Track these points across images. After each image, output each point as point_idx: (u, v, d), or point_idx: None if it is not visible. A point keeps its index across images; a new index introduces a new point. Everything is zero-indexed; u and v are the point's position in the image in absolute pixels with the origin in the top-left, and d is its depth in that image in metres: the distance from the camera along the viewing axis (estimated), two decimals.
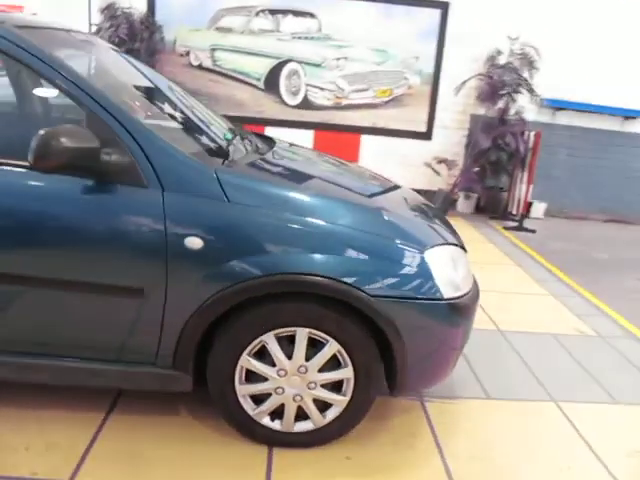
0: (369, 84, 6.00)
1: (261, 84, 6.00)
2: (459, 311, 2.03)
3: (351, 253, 1.90)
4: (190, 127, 2.46)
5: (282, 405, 2.03)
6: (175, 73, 5.94)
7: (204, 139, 2.32)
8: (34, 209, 1.84)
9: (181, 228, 1.84)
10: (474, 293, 2.18)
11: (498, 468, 2.12)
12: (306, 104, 6.05)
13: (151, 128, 1.92)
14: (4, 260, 1.87)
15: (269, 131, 6.10)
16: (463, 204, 6.26)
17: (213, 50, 5.89)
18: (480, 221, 5.99)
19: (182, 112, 2.58)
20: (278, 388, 2.01)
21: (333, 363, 1.99)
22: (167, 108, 2.54)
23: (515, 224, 5.78)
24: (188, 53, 5.91)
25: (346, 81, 5.97)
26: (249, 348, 1.95)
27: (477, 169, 5.89)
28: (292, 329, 1.93)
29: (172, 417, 2.21)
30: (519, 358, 2.97)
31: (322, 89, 5.99)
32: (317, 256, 1.87)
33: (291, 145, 3.09)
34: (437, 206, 5.93)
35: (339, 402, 2.04)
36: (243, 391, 2.02)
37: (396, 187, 2.79)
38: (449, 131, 6.19)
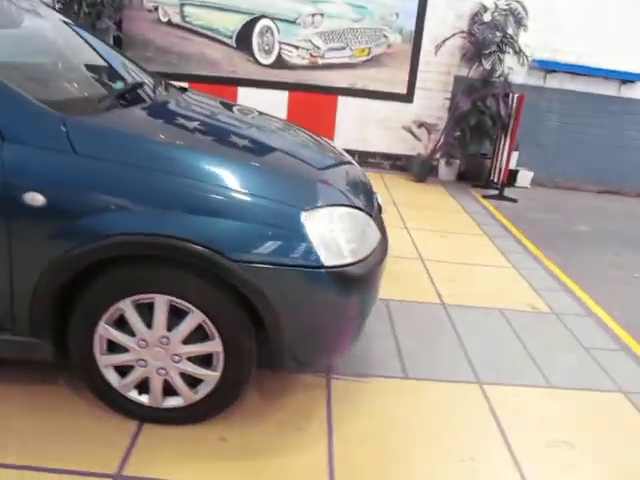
0: (346, 42, 5.67)
1: (232, 42, 5.70)
2: (346, 280, 1.80)
3: (214, 213, 1.68)
4: (59, 74, 2.23)
5: (148, 378, 1.85)
6: (143, 29, 5.68)
7: (73, 88, 2.10)
8: None
9: (20, 182, 1.63)
10: (374, 260, 1.95)
11: (388, 455, 1.91)
12: (280, 63, 5.75)
13: None
14: None
15: (242, 92, 5.84)
16: (444, 171, 5.94)
17: (182, 5, 5.60)
18: (460, 189, 5.69)
19: (66, 60, 2.35)
20: (140, 360, 1.82)
21: (201, 335, 1.79)
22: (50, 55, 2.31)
23: (495, 192, 5.47)
24: (157, 9, 5.62)
25: (322, 39, 5.64)
26: (106, 315, 1.76)
27: (458, 134, 5.56)
28: (150, 296, 1.73)
29: (49, 387, 2.04)
30: (454, 335, 2.75)
31: (297, 47, 5.68)
32: (172, 216, 1.66)
33: (225, 104, 2.83)
34: (414, 171, 5.67)
35: (210, 378, 1.84)
36: (104, 362, 1.84)
37: (319, 143, 2.55)
38: (432, 93, 5.84)
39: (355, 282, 1.85)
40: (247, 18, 5.60)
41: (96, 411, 1.92)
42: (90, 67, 2.37)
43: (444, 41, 5.36)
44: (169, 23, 5.66)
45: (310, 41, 5.64)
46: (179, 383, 1.85)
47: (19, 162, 1.63)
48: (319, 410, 2.09)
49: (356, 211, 1.94)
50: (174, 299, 1.73)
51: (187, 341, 1.79)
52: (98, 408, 1.93)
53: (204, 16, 5.61)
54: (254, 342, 1.81)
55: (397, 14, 5.58)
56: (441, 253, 3.81)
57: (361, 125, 6.01)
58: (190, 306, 1.73)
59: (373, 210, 2.18)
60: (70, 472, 1.69)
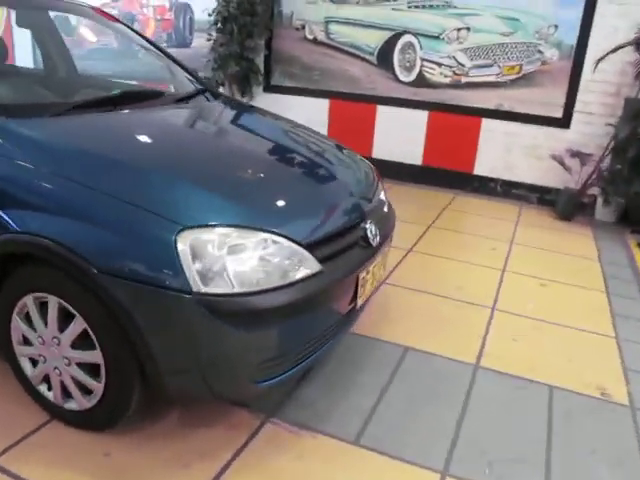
0: (494, 59, 5.11)
1: (374, 58, 5.58)
2: (232, 311, 1.59)
3: (84, 217, 1.63)
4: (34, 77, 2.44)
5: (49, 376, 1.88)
6: (290, 47, 5.91)
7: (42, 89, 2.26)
8: None
9: None
10: (294, 294, 1.69)
11: None
12: (421, 81, 5.45)
13: None
14: None
15: (380, 110, 5.68)
16: (602, 210, 4.95)
17: (327, 23, 5.67)
18: (614, 233, 4.68)
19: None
20: (40, 355, 1.85)
21: (90, 343, 1.74)
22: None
23: None
24: (304, 27, 5.80)
25: (467, 55, 5.19)
26: (17, 308, 1.83)
27: (618, 167, 4.59)
28: (45, 295, 1.75)
29: None
30: (459, 407, 2.23)
31: (439, 64, 5.32)
32: (43, 215, 1.65)
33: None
34: (558, 208, 4.87)
35: (95, 387, 1.79)
36: (19, 351, 1.91)
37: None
38: (594, 118, 4.93)
39: (250, 315, 1.62)
40: (389, 34, 5.43)
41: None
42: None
43: (605, 55, 4.48)
44: (314, 41, 5.79)
45: (454, 57, 5.23)
46: (72, 387, 1.83)
47: None
48: (223, 453, 1.87)
49: (268, 236, 1.70)
50: (61, 301, 1.72)
51: (77, 347, 1.76)
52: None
53: (348, 33, 5.61)
54: (136, 360, 1.69)
55: (556, 26, 4.85)
56: (525, 305, 3.16)
57: (506, 151, 5.37)
58: (74, 311, 1.70)
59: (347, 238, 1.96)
60: None
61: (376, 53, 5.56)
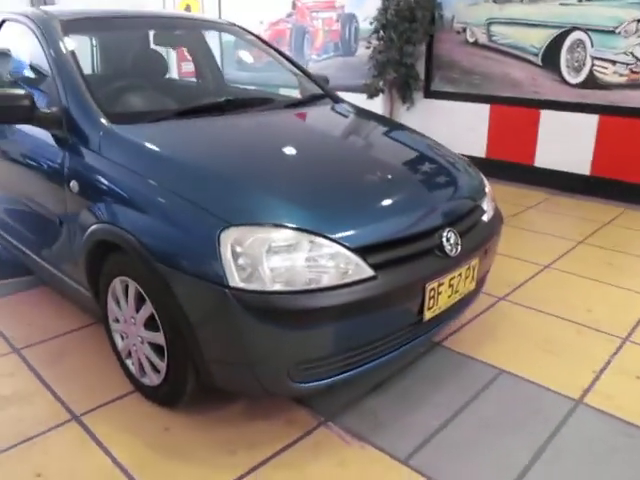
0: None
1: (538, 59, 5.14)
2: (261, 308, 1.65)
3: (152, 212, 1.84)
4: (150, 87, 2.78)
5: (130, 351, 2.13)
6: (451, 51, 5.73)
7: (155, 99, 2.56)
8: None
9: (70, 172, 2.15)
10: (333, 297, 1.69)
11: None
12: (590, 82, 4.86)
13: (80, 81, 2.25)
14: None
15: (544, 115, 5.22)
16: None
17: (489, 24, 5.37)
18: None
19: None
20: (123, 332, 2.10)
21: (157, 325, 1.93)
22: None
23: None
24: (464, 30, 5.57)
25: None
26: (110, 289, 2.11)
27: None
28: (126, 279, 1.99)
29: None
30: (534, 446, 1.97)
31: (613, 62, 4.69)
32: (125, 210, 1.91)
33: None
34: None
35: (160, 367, 1.97)
36: (112, 327, 2.20)
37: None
38: None
39: (286, 315, 1.66)
40: (556, 32, 4.95)
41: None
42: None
43: None
44: (475, 44, 5.53)
45: (632, 53, 4.58)
46: (145, 363, 2.04)
47: (73, 158, 2.18)
48: (270, 447, 1.92)
49: (313, 237, 1.72)
50: (137, 285, 1.93)
51: (148, 328, 1.97)
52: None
53: (511, 34, 5.25)
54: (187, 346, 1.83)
55: None
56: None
57: None
58: (145, 295, 1.91)
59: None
60: None
61: (541, 54, 5.11)
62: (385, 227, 1.90)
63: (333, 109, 2.93)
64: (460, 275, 2.07)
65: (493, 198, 2.52)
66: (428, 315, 1.98)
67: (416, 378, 2.33)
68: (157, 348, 1.96)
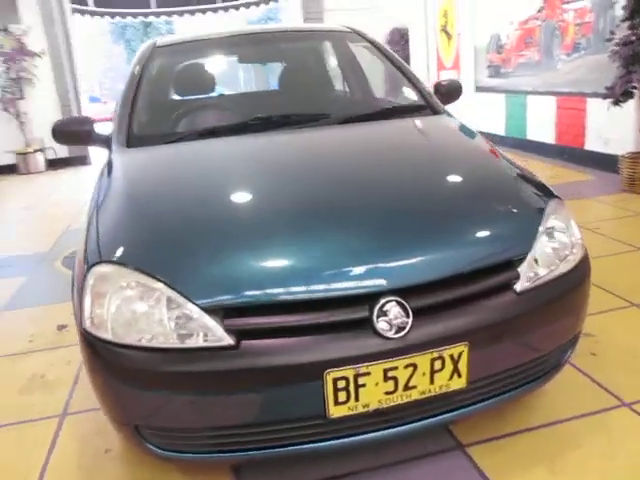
0: None
1: None
2: (92, 352, 1.49)
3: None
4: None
5: None
6: None
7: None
8: None
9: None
10: (156, 361, 1.43)
11: None
12: None
13: None
14: None
15: None
16: None
17: None
18: None
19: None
20: None
21: None
22: None
23: None
24: None
25: None
26: None
27: None
28: None
29: None
30: None
31: None
32: None
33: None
34: None
35: None
36: None
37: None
38: None
39: (121, 369, 1.46)
40: None
41: None
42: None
43: None
44: None
45: None
46: None
47: None
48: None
49: (161, 286, 1.43)
50: None
51: None
52: None
53: None
54: None
55: None
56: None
57: None
58: None
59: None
60: None
61: None
62: (267, 283, 1.45)
63: (402, 126, 2.44)
64: (413, 366, 1.44)
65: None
66: (336, 412, 1.43)
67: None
68: None
